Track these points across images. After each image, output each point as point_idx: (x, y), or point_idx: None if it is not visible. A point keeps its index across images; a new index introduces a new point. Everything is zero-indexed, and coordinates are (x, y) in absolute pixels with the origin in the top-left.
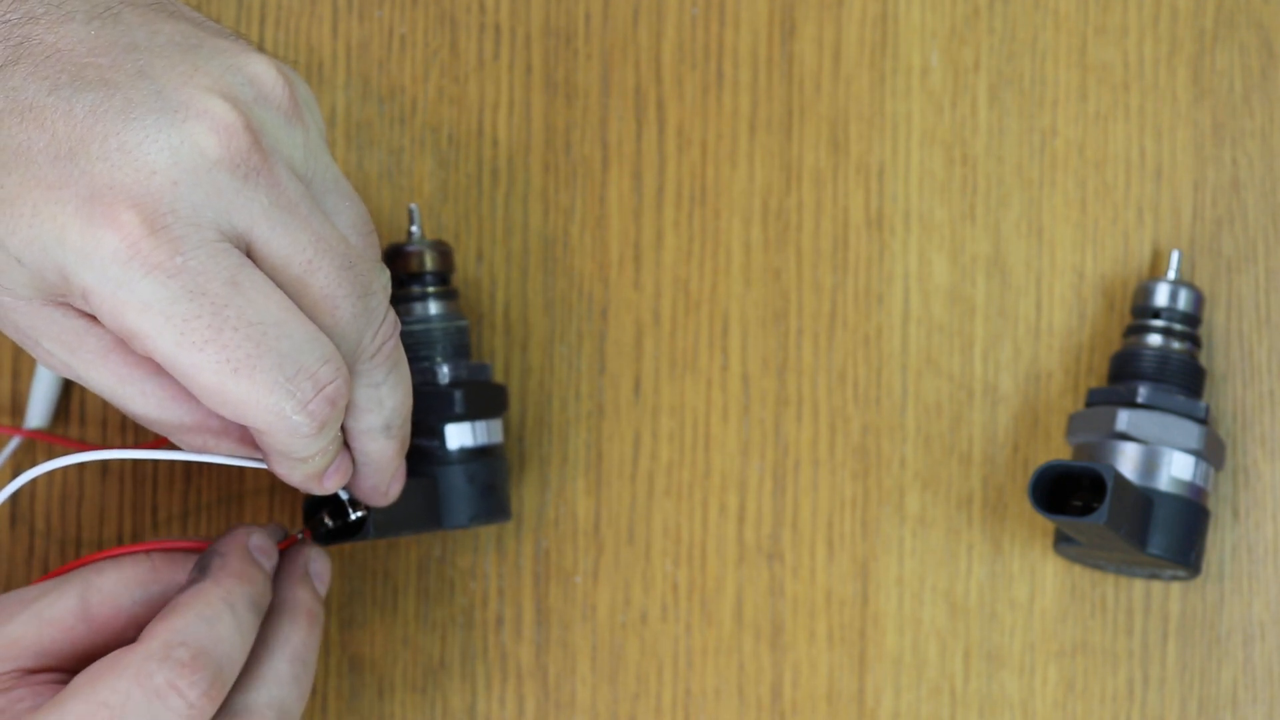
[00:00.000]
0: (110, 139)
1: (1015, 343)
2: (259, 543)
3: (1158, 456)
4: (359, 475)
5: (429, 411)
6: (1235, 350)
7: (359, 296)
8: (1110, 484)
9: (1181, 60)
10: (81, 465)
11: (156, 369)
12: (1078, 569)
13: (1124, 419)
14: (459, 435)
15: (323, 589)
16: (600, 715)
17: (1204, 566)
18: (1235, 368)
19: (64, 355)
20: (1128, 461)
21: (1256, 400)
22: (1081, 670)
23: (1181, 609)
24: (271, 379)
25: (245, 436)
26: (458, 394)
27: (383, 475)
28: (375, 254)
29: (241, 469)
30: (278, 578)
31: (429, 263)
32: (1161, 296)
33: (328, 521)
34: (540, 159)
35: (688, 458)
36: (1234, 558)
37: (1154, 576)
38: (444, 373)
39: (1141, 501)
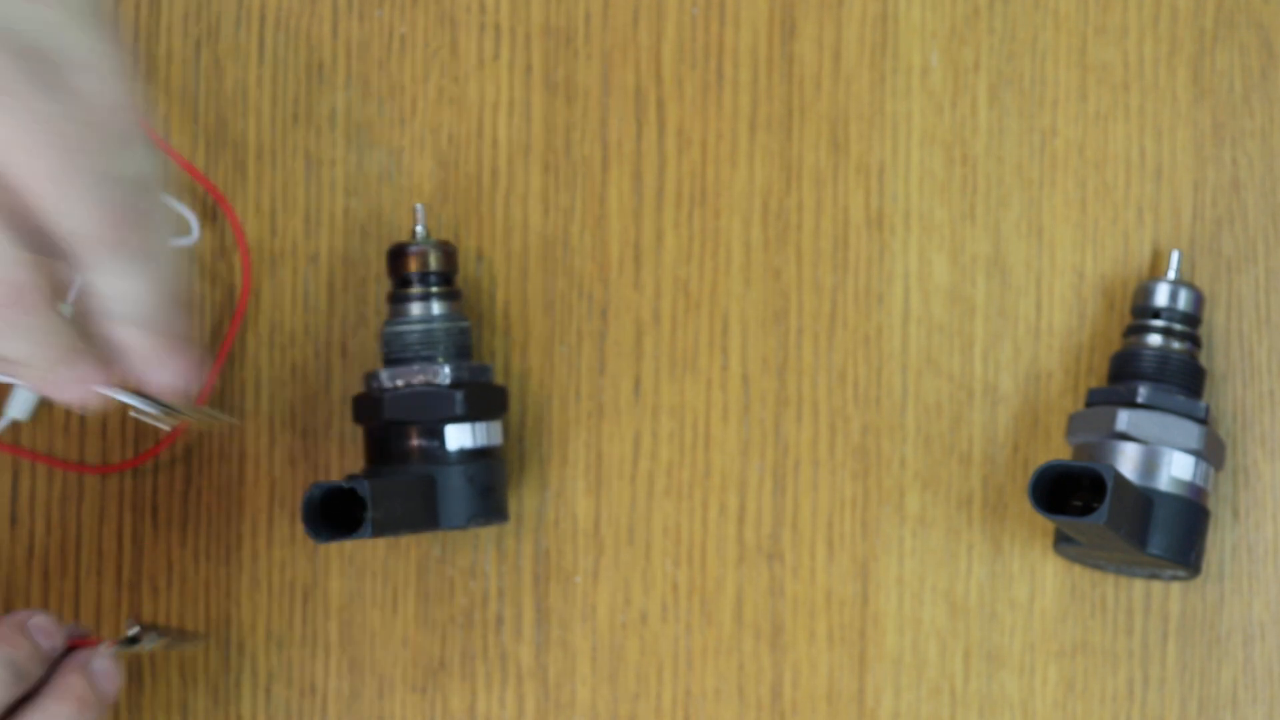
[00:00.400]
0: None
1: (1015, 343)
2: (39, 622)
3: (1158, 456)
4: (125, 364)
5: (430, 412)
6: (1235, 350)
7: (83, 183)
8: (1110, 484)
9: (1181, 60)
10: (81, 464)
11: None
12: (1078, 569)
13: (1124, 419)
14: (459, 436)
15: (107, 688)
16: (600, 715)
17: (1204, 566)
18: (1235, 368)
19: None
20: (1128, 461)
21: (1256, 400)
22: (1081, 670)
23: (1181, 609)
24: None
25: None
26: (458, 395)
27: (145, 366)
28: (128, 138)
29: (240, 470)
30: (57, 668)
31: (433, 262)
32: (1161, 296)
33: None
34: (540, 159)
35: (688, 458)
36: (1234, 558)
37: (1154, 576)
38: (445, 373)
39: (1141, 501)
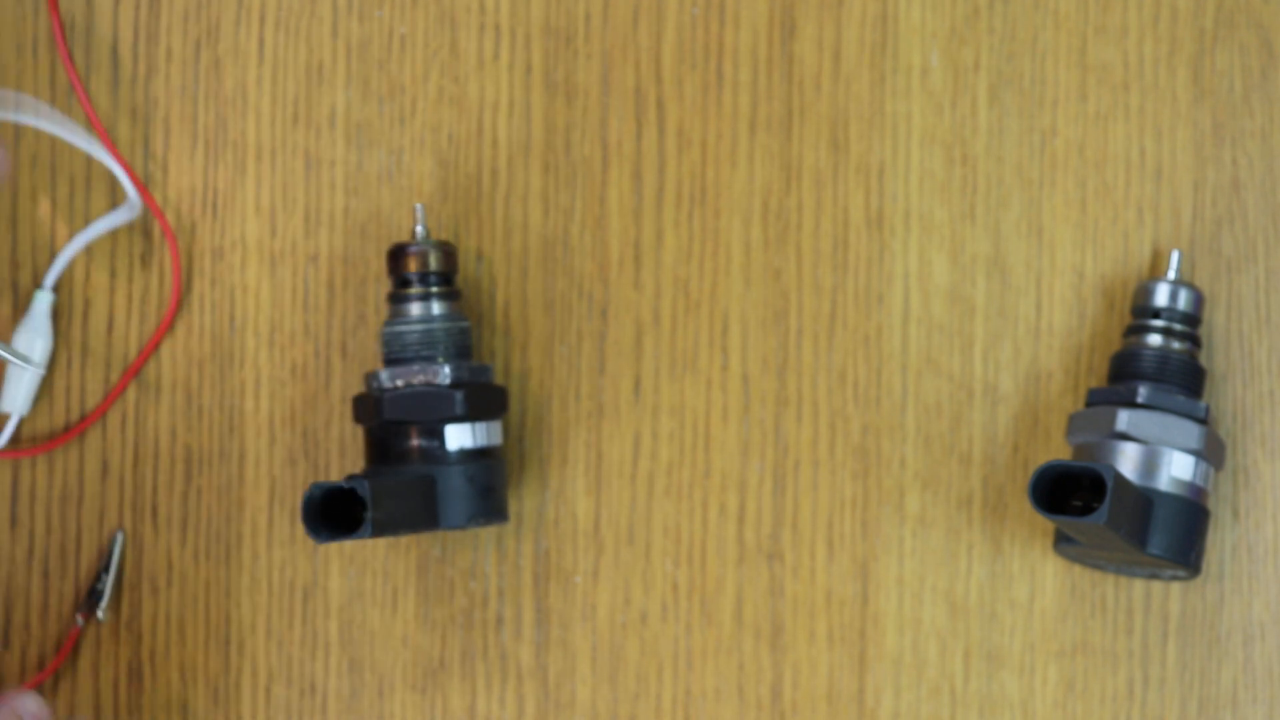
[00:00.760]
0: None
1: (1015, 343)
2: (30, 706)
3: (1158, 456)
4: None
5: (430, 412)
6: (1235, 350)
7: None
8: (1110, 484)
9: (1181, 60)
10: (82, 466)
11: None
12: (1078, 569)
13: (1124, 419)
14: (459, 436)
15: None
16: (600, 715)
17: (1204, 566)
18: (1235, 368)
19: None
20: (1128, 461)
21: (1256, 400)
22: (1081, 670)
23: (1181, 609)
24: None
25: None
26: (458, 395)
27: None
28: None
29: (240, 470)
30: None
31: (433, 262)
32: (1161, 296)
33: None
34: (540, 159)
35: (688, 458)
36: (1234, 558)
37: (1154, 576)
38: (445, 373)
39: (1141, 501)
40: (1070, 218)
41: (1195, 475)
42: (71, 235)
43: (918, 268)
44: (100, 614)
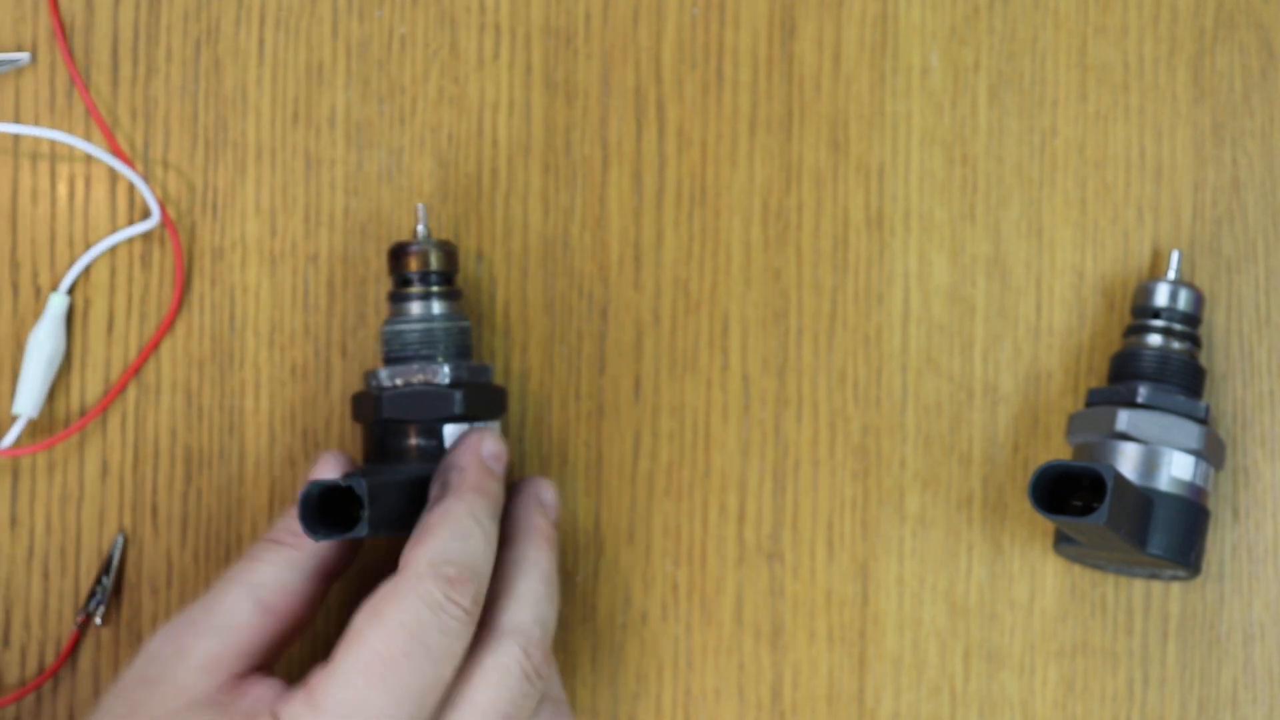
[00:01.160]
0: None
1: (1015, 343)
2: (492, 449)
3: (1158, 456)
4: None
5: (428, 411)
6: (1235, 350)
7: None
8: (1110, 484)
9: (1181, 60)
10: (82, 466)
11: None
12: (1078, 569)
13: (1124, 419)
14: (457, 435)
15: (554, 516)
16: (600, 715)
17: (1204, 566)
18: (1235, 368)
19: None
20: (1128, 461)
21: (1256, 400)
22: (1081, 670)
23: (1181, 609)
24: None
25: None
26: (458, 395)
27: None
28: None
29: (240, 470)
30: (512, 505)
31: (434, 262)
32: (1161, 296)
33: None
34: (540, 159)
35: (688, 458)
36: (1234, 558)
37: (1154, 576)
38: (445, 373)
39: (1141, 501)
40: (1070, 218)
41: (1195, 475)
42: (72, 236)
43: (918, 268)
44: (98, 620)
